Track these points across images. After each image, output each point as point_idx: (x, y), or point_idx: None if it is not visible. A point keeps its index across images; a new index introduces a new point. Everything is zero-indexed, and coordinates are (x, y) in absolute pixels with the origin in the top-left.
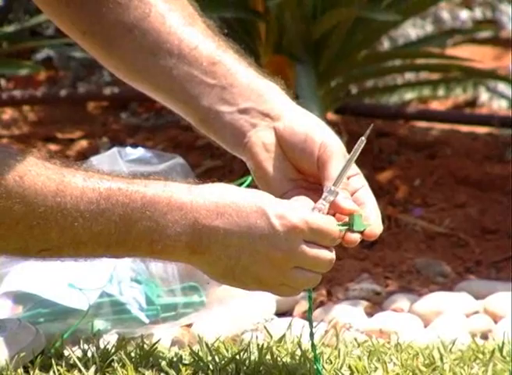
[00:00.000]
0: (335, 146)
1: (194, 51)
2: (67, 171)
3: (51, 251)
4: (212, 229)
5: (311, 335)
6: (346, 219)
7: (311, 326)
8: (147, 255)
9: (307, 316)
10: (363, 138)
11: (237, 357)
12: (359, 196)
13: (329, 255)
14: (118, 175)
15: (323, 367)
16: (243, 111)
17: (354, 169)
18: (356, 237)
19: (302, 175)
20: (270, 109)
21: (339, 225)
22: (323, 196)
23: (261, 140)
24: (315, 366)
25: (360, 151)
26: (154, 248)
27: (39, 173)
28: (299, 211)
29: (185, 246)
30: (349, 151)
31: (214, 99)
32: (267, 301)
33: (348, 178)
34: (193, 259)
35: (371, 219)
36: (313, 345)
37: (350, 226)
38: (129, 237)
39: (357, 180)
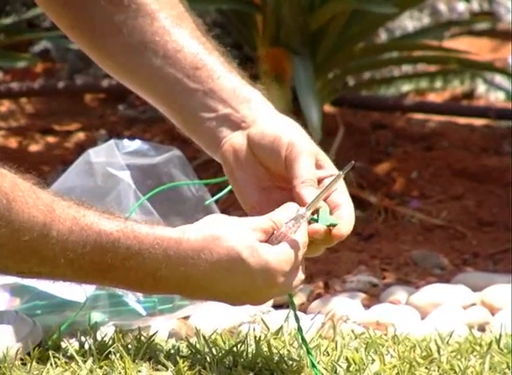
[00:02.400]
0: (302, 145)
1: (179, 53)
2: (58, 205)
3: (30, 275)
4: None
5: (300, 330)
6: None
7: (298, 321)
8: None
9: (293, 309)
10: (341, 173)
11: (234, 349)
12: (334, 198)
13: (299, 277)
14: (110, 214)
15: (320, 360)
16: (222, 117)
17: (332, 169)
18: (319, 228)
19: (277, 180)
20: (248, 115)
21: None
22: (293, 216)
23: (233, 146)
24: (309, 359)
25: (337, 182)
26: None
27: (28, 201)
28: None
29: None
30: (346, 144)
31: (195, 104)
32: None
33: (320, 181)
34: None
35: (343, 220)
36: (304, 340)
37: (316, 221)
38: (110, 275)
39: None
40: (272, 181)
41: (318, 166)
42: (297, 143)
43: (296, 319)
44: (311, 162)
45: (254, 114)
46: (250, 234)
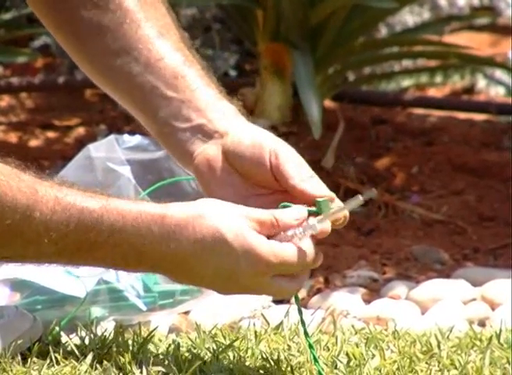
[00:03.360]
0: (286, 150)
1: (160, 62)
2: (40, 186)
3: (15, 259)
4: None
5: (303, 323)
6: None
7: (301, 315)
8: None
9: (296, 304)
10: (360, 197)
11: (235, 344)
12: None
13: (294, 287)
14: (93, 192)
15: (320, 355)
16: (196, 127)
17: (310, 171)
18: (327, 227)
19: (255, 187)
20: (221, 126)
21: (308, 211)
22: (303, 227)
23: (207, 158)
24: (311, 354)
25: (355, 206)
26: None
27: (11, 184)
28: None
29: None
30: (347, 139)
31: (170, 113)
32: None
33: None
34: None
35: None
36: (306, 333)
37: (317, 212)
38: (97, 254)
39: (316, 182)
40: (249, 190)
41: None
42: (281, 148)
43: (300, 312)
44: (297, 164)
45: (228, 125)
46: (240, 220)
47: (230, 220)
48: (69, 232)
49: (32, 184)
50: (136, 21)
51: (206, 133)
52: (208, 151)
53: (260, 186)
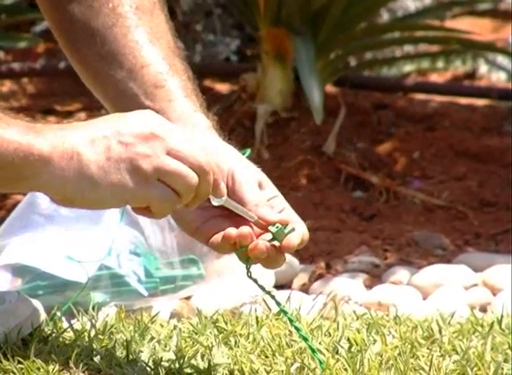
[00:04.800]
0: (242, 172)
1: (143, 70)
2: None
3: None
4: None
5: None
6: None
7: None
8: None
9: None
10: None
11: (236, 330)
12: (286, 215)
13: (191, 174)
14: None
15: (322, 341)
16: None
17: (272, 189)
18: (294, 242)
19: (218, 209)
20: None
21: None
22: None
23: None
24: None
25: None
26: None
27: None
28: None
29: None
30: (348, 124)
31: None
32: (266, 273)
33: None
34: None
35: (296, 231)
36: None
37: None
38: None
39: (279, 202)
40: (213, 211)
41: (261, 187)
42: (236, 170)
43: (286, 315)
44: (254, 187)
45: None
46: None
47: None
48: None
49: None
50: (126, 26)
51: None
52: None
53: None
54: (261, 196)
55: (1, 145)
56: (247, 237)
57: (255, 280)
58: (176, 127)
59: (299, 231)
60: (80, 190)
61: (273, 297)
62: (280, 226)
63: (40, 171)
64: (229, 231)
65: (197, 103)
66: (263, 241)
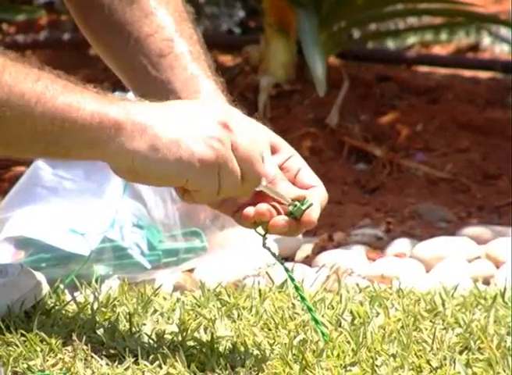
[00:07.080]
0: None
1: (149, 38)
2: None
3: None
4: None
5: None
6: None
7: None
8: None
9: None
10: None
11: (239, 303)
12: (302, 179)
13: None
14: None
15: (324, 314)
16: None
17: (288, 150)
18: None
19: None
20: None
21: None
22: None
23: None
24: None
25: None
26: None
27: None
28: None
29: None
30: (351, 97)
31: (153, 93)
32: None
33: (281, 166)
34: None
35: (314, 205)
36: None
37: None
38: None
39: (295, 162)
40: None
41: (275, 151)
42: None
43: (297, 289)
44: (265, 157)
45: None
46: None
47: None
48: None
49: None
50: None
51: None
52: None
53: None
54: (274, 168)
55: (78, 109)
56: (265, 215)
57: (269, 249)
58: (244, 121)
59: (316, 204)
60: (146, 163)
61: (283, 264)
62: (298, 203)
63: (112, 139)
64: (247, 211)
65: (205, 66)
66: (283, 217)
